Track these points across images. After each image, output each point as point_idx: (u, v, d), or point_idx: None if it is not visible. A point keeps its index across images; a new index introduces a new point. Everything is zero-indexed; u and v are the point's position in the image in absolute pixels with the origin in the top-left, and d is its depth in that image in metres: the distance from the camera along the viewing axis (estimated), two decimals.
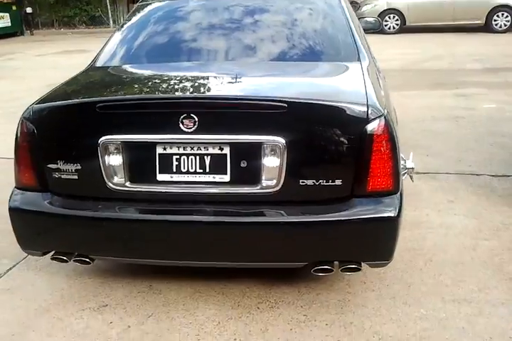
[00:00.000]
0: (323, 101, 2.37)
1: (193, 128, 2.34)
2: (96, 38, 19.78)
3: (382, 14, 14.30)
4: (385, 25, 14.43)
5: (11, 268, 3.24)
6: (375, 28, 4.94)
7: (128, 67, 3.21)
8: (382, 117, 2.33)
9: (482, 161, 4.70)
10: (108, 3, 21.00)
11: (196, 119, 2.32)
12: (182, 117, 2.33)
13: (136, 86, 2.87)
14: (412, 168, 3.56)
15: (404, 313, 2.65)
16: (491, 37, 13.63)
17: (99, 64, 3.27)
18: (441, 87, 7.84)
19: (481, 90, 7.54)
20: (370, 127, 2.30)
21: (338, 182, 2.34)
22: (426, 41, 13.12)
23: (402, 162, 3.63)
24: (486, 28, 14.26)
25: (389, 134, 2.33)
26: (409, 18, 14.43)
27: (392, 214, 2.33)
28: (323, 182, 2.33)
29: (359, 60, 3.02)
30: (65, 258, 2.63)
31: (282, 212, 2.40)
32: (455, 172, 4.47)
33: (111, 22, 21.18)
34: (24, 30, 21.10)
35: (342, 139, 2.33)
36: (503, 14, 14.05)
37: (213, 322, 2.66)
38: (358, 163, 2.33)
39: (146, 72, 3.16)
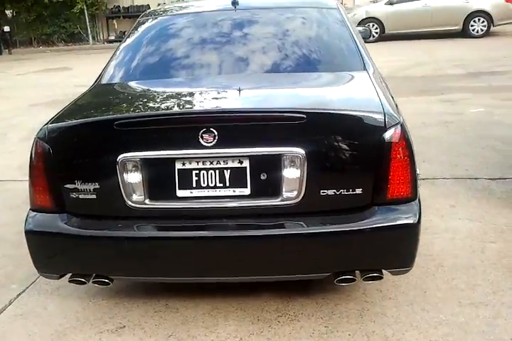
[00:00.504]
0: (341, 110, 2.42)
1: (213, 143, 2.35)
2: (76, 55, 19.76)
3: (362, 23, 14.48)
4: None
5: (20, 293, 3.21)
6: (366, 37, 5.02)
7: (136, 84, 3.22)
8: (399, 125, 2.38)
9: (478, 165, 4.79)
10: (87, 20, 20.99)
11: (216, 133, 2.35)
12: (202, 132, 2.34)
13: (152, 102, 2.88)
14: (418, 174, 3.63)
15: (424, 319, 2.68)
16: (469, 42, 13.89)
17: (104, 81, 3.27)
18: (426, 93, 7.97)
19: (466, 95, 7.67)
20: (388, 135, 2.35)
21: (358, 191, 2.37)
22: (406, 48, 13.33)
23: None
24: (464, 33, 14.52)
25: (406, 141, 2.38)
26: (388, 26, 14.65)
27: (412, 221, 2.37)
28: (343, 191, 2.37)
29: (365, 68, 3.07)
30: (83, 280, 2.62)
31: (303, 223, 2.42)
32: (452, 177, 4.54)
33: (90, 38, 21.18)
34: (2, 49, 21.01)
35: (361, 148, 2.37)
36: (479, 19, 14.32)
37: (235, 338, 2.67)
38: (377, 171, 2.37)
39: (156, 88, 3.17)
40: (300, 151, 2.34)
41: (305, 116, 2.33)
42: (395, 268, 2.51)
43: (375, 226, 2.36)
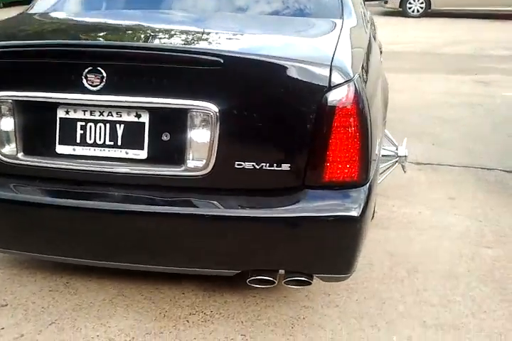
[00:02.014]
0: (271, 58, 1.75)
1: (100, 86, 1.75)
2: None
3: None
4: (409, 8, 13.62)
5: None
6: None
7: (60, 14, 2.62)
8: (351, 83, 1.72)
9: (495, 154, 4.05)
10: None
11: (104, 74, 1.75)
12: (86, 71, 1.75)
13: (48, 32, 2.27)
14: (405, 156, 2.96)
15: (371, 340, 2.05)
16: None
17: (33, 10, 2.69)
18: (460, 72, 7.13)
19: (503, 77, 6.83)
20: (332, 96, 1.70)
21: (285, 166, 1.74)
22: (451, 26, 12.31)
23: (391, 148, 3.03)
24: None
25: (357, 107, 1.72)
26: (435, 1, 13.57)
27: (354, 213, 1.72)
28: (265, 165, 1.74)
29: (342, 16, 2.40)
30: None
31: (209, 202, 1.81)
32: (462, 165, 3.82)
33: None
34: None
35: (293, 110, 1.73)
36: None
37: (126, 336, 2.09)
38: (312, 144, 1.73)
39: (74, 19, 2.58)
40: (212, 107, 1.71)
41: (222, 60, 1.69)
42: (325, 274, 1.87)
43: (301, 215, 1.73)
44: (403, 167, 3.01)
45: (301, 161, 1.74)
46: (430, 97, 5.80)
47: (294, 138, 1.75)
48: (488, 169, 3.76)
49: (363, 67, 1.97)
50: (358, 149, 1.74)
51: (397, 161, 2.91)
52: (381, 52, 3.76)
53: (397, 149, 2.93)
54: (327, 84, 1.70)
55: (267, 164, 1.74)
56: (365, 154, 1.77)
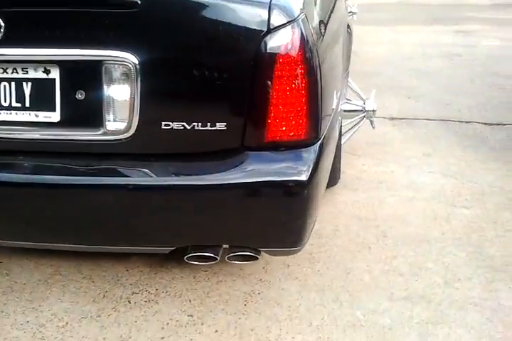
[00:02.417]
0: None
1: None
2: None
3: None
4: None
5: None
6: None
7: None
8: (295, 25, 1.44)
9: (475, 106, 3.81)
10: None
11: (1, 23, 1.46)
12: None
13: None
14: (373, 111, 2.70)
15: (332, 317, 1.84)
16: None
17: None
18: (439, 22, 6.82)
19: (484, 27, 6.54)
20: (272, 41, 1.42)
21: (220, 126, 1.47)
22: None
23: (357, 103, 2.76)
24: None
25: (304, 53, 1.45)
26: None
27: (302, 177, 1.47)
28: (197, 125, 1.47)
29: None
30: None
31: (134, 170, 1.54)
32: (439, 119, 3.58)
33: None
34: None
35: (227, 59, 1.45)
36: None
37: (60, 321, 1.85)
38: (251, 98, 1.46)
39: None
40: (130, 58, 1.43)
41: (139, 1, 1.41)
42: (272, 247, 1.63)
43: (239, 181, 1.47)
44: (371, 122, 2.76)
45: (238, 119, 1.48)
46: (408, 49, 5.51)
47: (229, 91, 1.47)
48: (466, 122, 3.52)
49: (313, 7, 1.68)
50: (304, 103, 1.47)
51: (364, 116, 2.66)
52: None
53: (364, 103, 2.67)
54: (265, 27, 1.42)
55: (199, 123, 1.47)
56: (313, 108, 1.50)
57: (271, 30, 1.42)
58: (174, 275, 2.07)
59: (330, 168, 1.88)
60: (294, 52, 1.44)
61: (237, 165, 1.49)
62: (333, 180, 2.60)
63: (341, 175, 2.72)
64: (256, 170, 1.49)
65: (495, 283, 1.99)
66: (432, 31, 6.35)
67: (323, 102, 1.55)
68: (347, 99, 2.62)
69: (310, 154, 1.51)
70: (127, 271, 2.10)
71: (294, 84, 1.45)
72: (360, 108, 2.63)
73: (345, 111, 2.54)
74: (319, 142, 1.55)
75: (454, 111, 3.70)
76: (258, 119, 1.47)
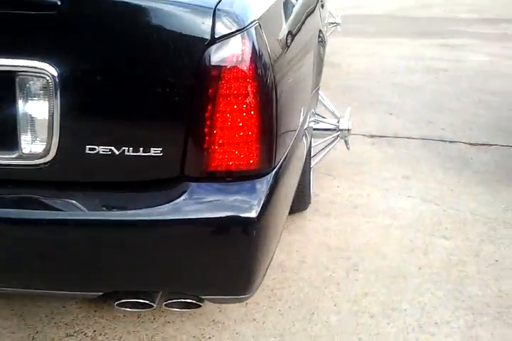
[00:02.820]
0: None
1: None
2: None
3: None
4: None
5: None
6: None
7: None
8: (245, 34, 1.23)
9: (460, 124, 3.62)
10: None
11: None
12: None
13: None
14: (348, 130, 2.49)
15: None
16: None
17: None
18: (425, 36, 6.64)
19: (472, 41, 6.36)
20: (217, 52, 1.20)
21: (155, 151, 1.25)
22: None
23: (331, 121, 2.55)
24: None
25: (255, 68, 1.23)
26: None
27: (250, 214, 1.25)
28: (128, 150, 1.25)
29: None
30: None
31: (53, 201, 1.31)
32: (420, 137, 3.38)
33: None
34: None
35: (163, 72, 1.22)
36: None
37: None
38: (191, 119, 1.24)
39: None
40: (49, 69, 1.20)
41: (59, 2, 1.18)
42: (214, 295, 1.40)
43: (177, 218, 1.24)
44: (346, 142, 2.54)
45: (177, 144, 1.25)
46: (392, 62, 5.32)
47: (165, 111, 1.25)
48: (450, 142, 3.32)
49: (274, 15, 1.47)
50: (255, 126, 1.25)
51: (338, 136, 2.45)
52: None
53: (338, 122, 2.46)
54: (209, 36, 1.20)
55: (131, 148, 1.25)
56: (266, 132, 1.28)
57: (215, 39, 1.21)
58: (116, 313, 1.83)
59: (291, 197, 1.66)
60: (243, 67, 1.22)
61: (175, 198, 1.27)
62: (302, 204, 2.39)
63: (313, 198, 2.51)
64: (196, 205, 1.26)
65: (476, 328, 1.78)
66: (418, 45, 6.17)
67: (279, 124, 1.33)
68: (320, 117, 2.42)
69: (262, 185, 1.29)
70: (64, 307, 1.86)
71: (243, 104, 1.24)
72: (333, 127, 2.42)
73: (316, 129, 2.33)
74: (275, 171, 1.33)
75: (437, 130, 3.50)
76: (200, 145, 1.25)
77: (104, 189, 1.31)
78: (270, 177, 1.30)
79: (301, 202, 2.33)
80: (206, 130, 1.24)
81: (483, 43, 6.28)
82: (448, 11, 8.62)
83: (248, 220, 1.24)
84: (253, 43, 1.24)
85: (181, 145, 1.25)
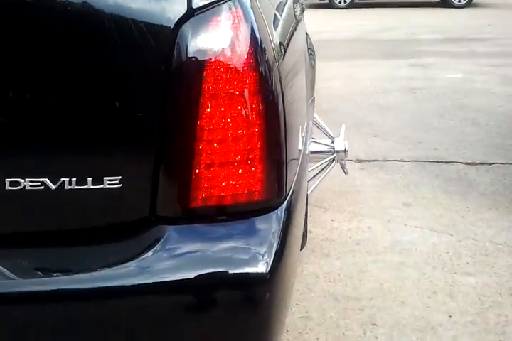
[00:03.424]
0: None
1: None
2: None
3: None
4: None
5: None
6: None
7: None
8: (236, 1, 0.86)
9: (451, 143, 3.31)
10: None
11: None
12: None
13: None
14: (345, 151, 2.13)
15: None
16: (449, 11, 12.36)
17: None
18: (395, 56, 6.45)
19: (442, 60, 6.19)
20: (197, 32, 0.84)
21: (110, 182, 0.86)
22: (379, 15, 11.76)
23: (325, 141, 2.20)
24: (443, 3, 13.01)
25: (254, 52, 0.87)
26: None
27: (260, 269, 0.86)
28: (69, 182, 0.85)
29: None
30: None
31: None
32: (413, 159, 3.05)
33: None
34: None
35: (116, 64, 0.84)
36: None
37: None
38: (163, 131, 0.86)
39: None
40: None
41: None
42: None
43: (145, 282, 0.85)
44: (343, 166, 2.18)
45: (143, 169, 0.87)
46: (365, 84, 5.06)
47: (123, 122, 0.86)
48: (446, 162, 3.00)
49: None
50: (259, 137, 0.88)
51: (333, 159, 2.08)
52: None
53: (332, 142, 2.10)
54: (183, 6, 0.83)
55: (73, 179, 0.85)
56: (275, 146, 0.91)
57: (193, 12, 0.84)
58: None
59: (301, 239, 1.28)
60: (237, 49, 0.85)
61: (143, 252, 0.87)
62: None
63: (307, 235, 2.13)
64: (175, 259, 0.87)
65: None
66: (388, 65, 5.95)
67: (289, 135, 0.96)
68: (313, 139, 2.06)
69: (272, 224, 0.90)
70: None
71: (241, 106, 0.86)
72: (328, 148, 2.06)
73: (311, 152, 1.97)
74: (286, 202, 0.95)
75: (429, 150, 3.19)
76: (177, 169, 0.87)
77: (37, 243, 0.91)
78: (281, 212, 0.92)
79: None
80: (185, 146, 0.85)
81: (453, 61, 6.11)
82: (410, 34, 8.52)
83: (257, 279, 0.85)
84: (249, 15, 0.87)
85: (149, 171, 0.86)
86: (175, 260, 0.88)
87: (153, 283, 0.86)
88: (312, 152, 2.06)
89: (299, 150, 1.13)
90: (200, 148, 0.85)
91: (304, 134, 1.26)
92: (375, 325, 1.67)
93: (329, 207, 2.46)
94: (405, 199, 2.55)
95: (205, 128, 0.84)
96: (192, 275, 0.86)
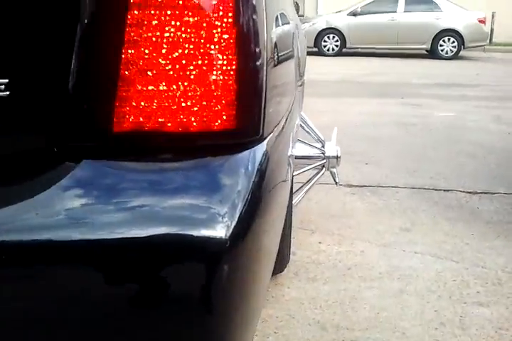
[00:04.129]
0: None
1: None
2: None
3: (322, 34, 12.96)
4: (324, 47, 13.11)
5: None
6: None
7: None
8: None
9: (449, 173, 3.06)
10: None
11: None
12: None
13: None
14: (337, 157, 1.86)
15: None
16: (437, 62, 12.49)
17: None
18: (385, 96, 6.33)
19: (433, 101, 6.06)
20: None
21: None
22: (367, 62, 11.82)
23: (314, 146, 1.92)
24: (432, 54, 13.15)
25: None
26: (350, 39, 13.13)
27: (217, 233, 0.56)
28: None
29: None
30: None
31: None
32: (409, 186, 2.79)
33: None
34: None
35: None
36: (449, 39, 12.96)
37: None
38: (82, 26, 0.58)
39: None
40: None
41: None
42: None
43: (39, 239, 0.55)
44: (333, 175, 1.90)
45: (43, 70, 0.58)
46: (355, 118, 4.86)
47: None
48: (445, 190, 2.73)
49: None
50: (223, 40, 0.60)
51: (323, 165, 1.80)
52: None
53: (323, 146, 1.82)
54: None
55: None
56: (248, 52, 0.63)
57: None
58: None
59: (284, 209, 0.97)
60: None
61: (37, 193, 0.57)
62: (278, 264, 1.69)
63: (290, 257, 1.83)
64: (84, 210, 0.57)
65: None
66: (378, 103, 5.80)
67: (271, 38, 0.69)
68: (299, 141, 1.79)
69: (240, 170, 0.61)
70: None
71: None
72: (317, 153, 1.78)
73: (296, 157, 1.69)
74: (263, 144, 0.66)
75: (425, 178, 2.93)
76: (97, 75, 0.59)
77: None
78: (255, 154, 0.63)
79: (276, 260, 1.63)
80: (110, 42, 0.58)
81: (444, 102, 5.98)
82: (400, 78, 8.48)
83: (212, 247, 0.55)
84: None
85: (54, 75, 0.58)
86: (83, 211, 0.58)
87: (50, 241, 0.55)
88: (299, 157, 1.79)
89: (288, 83, 0.84)
90: (131, 51, 0.57)
91: (291, 99, 0.99)
92: None
93: (316, 229, 2.17)
94: (402, 224, 2.26)
95: (136, 20, 0.57)
96: (107, 235, 0.56)
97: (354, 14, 13.16)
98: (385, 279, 1.77)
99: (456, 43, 13.09)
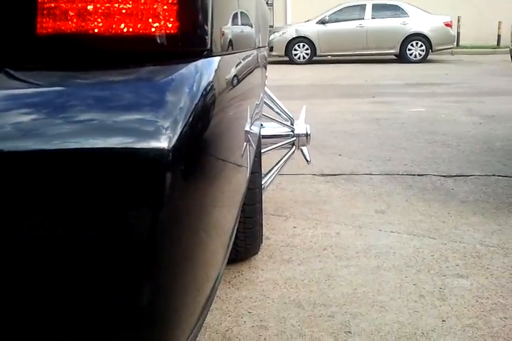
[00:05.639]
0: None
1: None
2: None
3: (292, 42, 13.02)
4: (295, 55, 13.16)
5: None
6: None
7: None
8: None
9: (423, 160, 3.03)
10: None
11: None
12: None
13: None
14: (307, 135, 1.81)
15: None
16: (406, 65, 12.63)
17: None
18: (356, 96, 6.34)
19: (404, 99, 6.08)
20: None
21: None
22: (338, 69, 11.90)
23: (283, 124, 1.86)
24: (401, 58, 13.29)
25: None
26: (320, 47, 13.20)
27: (157, 142, 0.49)
28: None
29: None
30: None
31: None
32: (383, 173, 2.75)
33: None
34: None
35: None
36: (417, 43, 13.12)
37: None
38: None
39: None
40: None
41: None
42: None
43: None
44: (303, 153, 1.85)
45: None
46: (326, 116, 4.84)
47: None
48: (419, 175, 2.70)
49: None
50: None
51: (293, 144, 1.75)
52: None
53: (292, 124, 1.77)
54: None
55: None
56: None
57: None
58: None
59: (242, 134, 0.89)
60: None
61: None
62: (251, 247, 1.63)
63: (264, 242, 1.76)
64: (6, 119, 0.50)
65: None
66: (349, 102, 5.79)
67: None
68: (267, 118, 1.73)
69: (186, 79, 0.55)
70: None
71: None
72: (287, 131, 1.72)
73: (265, 137, 1.63)
74: (217, 58, 0.60)
75: (399, 166, 2.90)
76: None
77: None
78: (202, 65, 0.57)
79: (248, 242, 1.57)
80: None
81: (414, 99, 6.00)
82: (369, 81, 8.51)
83: (154, 155, 0.49)
84: None
85: None
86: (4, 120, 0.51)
87: None
88: (268, 136, 1.73)
89: (248, 9, 0.79)
90: None
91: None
92: (349, 332, 1.28)
93: (290, 215, 2.11)
94: (378, 207, 2.21)
95: None
96: (24, 146, 0.49)
97: (323, 22, 13.25)
98: (361, 257, 1.71)
99: (424, 47, 13.24)
